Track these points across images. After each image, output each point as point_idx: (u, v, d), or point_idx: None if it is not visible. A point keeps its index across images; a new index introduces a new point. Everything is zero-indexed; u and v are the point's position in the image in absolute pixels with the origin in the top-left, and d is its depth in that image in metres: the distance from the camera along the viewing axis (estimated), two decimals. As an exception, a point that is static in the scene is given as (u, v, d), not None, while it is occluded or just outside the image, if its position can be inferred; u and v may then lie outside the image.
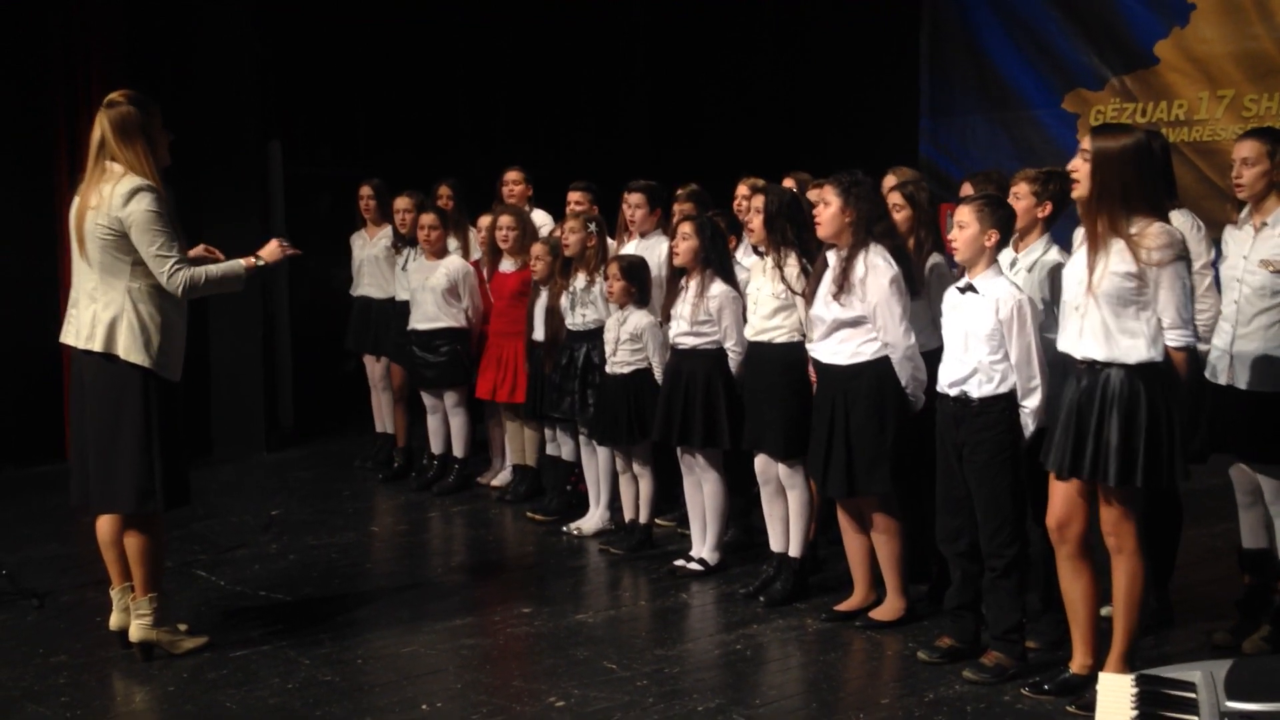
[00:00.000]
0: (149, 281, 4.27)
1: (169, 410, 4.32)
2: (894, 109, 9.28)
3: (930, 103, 9.37)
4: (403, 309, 7.02)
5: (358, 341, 7.44)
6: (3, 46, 7.28)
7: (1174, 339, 3.77)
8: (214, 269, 4.38)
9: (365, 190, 7.36)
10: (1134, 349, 3.74)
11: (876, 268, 4.48)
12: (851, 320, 4.51)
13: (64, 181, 7.10)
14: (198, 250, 4.51)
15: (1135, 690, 2.37)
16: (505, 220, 6.50)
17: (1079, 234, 4.01)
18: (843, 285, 4.49)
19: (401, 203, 7.05)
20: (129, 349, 4.23)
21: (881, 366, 4.52)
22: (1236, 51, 7.85)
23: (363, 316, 7.38)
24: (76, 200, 4.33)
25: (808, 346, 4.84)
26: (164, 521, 4.47)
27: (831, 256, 4.63)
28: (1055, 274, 4.39)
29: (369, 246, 7.33)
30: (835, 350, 4.58)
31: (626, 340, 5.56)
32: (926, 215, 4.84)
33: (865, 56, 9.30)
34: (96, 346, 4.24)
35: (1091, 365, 3.80)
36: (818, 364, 4.69)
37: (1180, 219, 4.41)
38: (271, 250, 4.53)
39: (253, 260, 4.46)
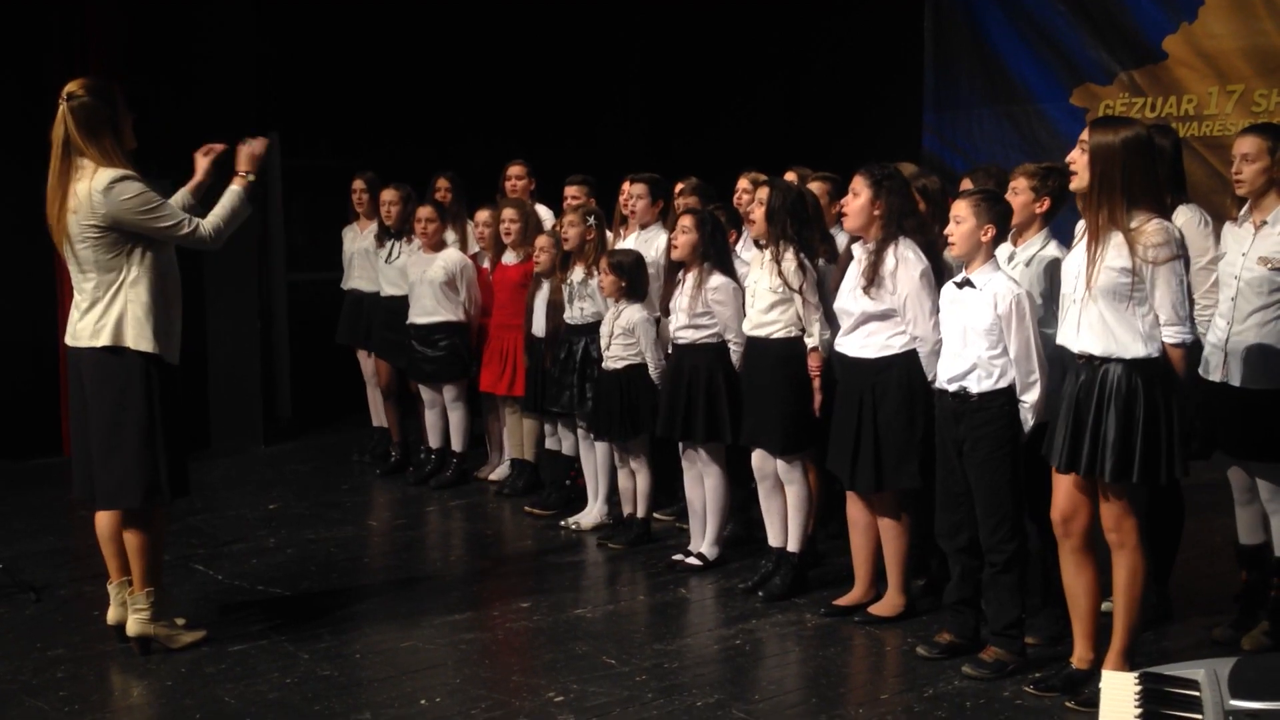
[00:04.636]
0: (142, 268, 4.25)
1: (170, 400, 4.31)
2: (897, 102, 9.23)
3: (934, 96, 9.33)
4: (386, 303, 7.01)
5: (349, 335, 7.41)
6: (2, 40, 7.24)
7: (1171, 335, 3.75)
8: (223, 208, 4.38)
9: (358, 183, 7.34)
10: (1132, 344, 3.72)
11: (907, 260, 4.45)
12: (880, 313, 4.48)
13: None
14: (199, 169, 4.49)
15: (1139, 688, 2.36)
16: (509, 213, 6.48)
17: (1081, 227, 3.99)
18: (872, 278, 4.46)
19: (388, 194, 7.01)
20: (137, 338, 4.22)
21: (910, 360, 4.48)
22: (1246, 47, 7.83)
23: (353, 310, 7.36)
24: (49, 198, 4.25)
25: (809, 340, 4.83)
26: (164, 515, 4.46)
27: (857, 249, 4.60)
28: (1053, 269, 4.39)
29: (360, 239, 7.32)
30: (863, 344, 4.55)
31: (620, 334, 5.55)
32: (939, 210, 4.82)
33: (868, 49, 9.26)
34: (103, 342, 4.22)
35: (1090, 360, 3.78)
36: (843, 358, 4.66)
37: (1187, 214, 4.39)
38: (246, 156, 4.47)
39: (243, 178, 4.45)
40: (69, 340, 4.34)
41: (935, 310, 4.43)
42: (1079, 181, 3.79)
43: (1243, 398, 4.26)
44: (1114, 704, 2.37)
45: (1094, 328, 3.75)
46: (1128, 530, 3.82)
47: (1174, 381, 3.77)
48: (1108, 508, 3.83)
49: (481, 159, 7.71)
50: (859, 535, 4.78)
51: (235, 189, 4.43)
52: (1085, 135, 3.79)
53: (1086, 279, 3.72)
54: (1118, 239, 3.69)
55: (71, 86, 4.23)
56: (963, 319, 4.20)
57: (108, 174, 4.17)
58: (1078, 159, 3.78)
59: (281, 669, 4.32)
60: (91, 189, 4.16)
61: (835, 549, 5.30)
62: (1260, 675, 2.32)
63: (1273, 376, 4.22)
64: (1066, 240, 4.42)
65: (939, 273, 4.54)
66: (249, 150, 4.49)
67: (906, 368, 4.49)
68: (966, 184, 4.98)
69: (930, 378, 4.46)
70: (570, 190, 6.54)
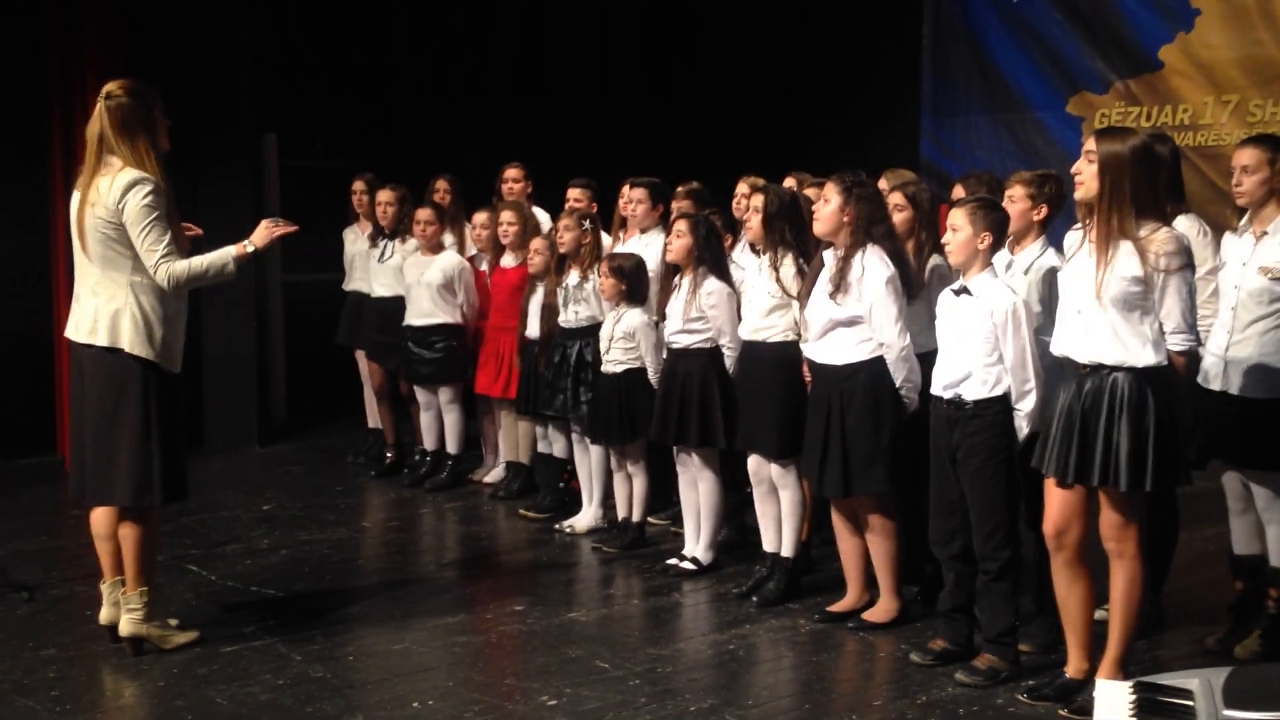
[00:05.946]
0: (148, 272, 4.24)
1: (169, 403, 4.29)
2: (895, 109, 9.25)
3: (932, 103, 9.35)
4: (376, 305, 7.00)
5: (350, 336, 7.41)
6: (-3, 40, 7.24)
7: (1177, 343, 3.77)
8: (202, 261, 4.27)
9: (358, 185, 7.34)
10: (1142, 352, 3.73)
11: (873, 267, 4.47)
12: (847, 320, 4.50)
13: (58, 173, 7.06)
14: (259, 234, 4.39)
15: (1133, 698, 2.36)
16: (507, 215, 6.47)
17: (1070, 237, 4.00)
18: (839, 285, 4.49)
19: (384, 195, 6.99)
20: (134, 342, 4.20)
21: (877, 366, 4.50)
22: (1241, 57, 7.86)
23: (354, 311, 7.35)
24: (76, 195, 4.28)
25: (802, 346, 4.84)
26: (160, 516, 4.45)
27: (828, 256, 4.62)
28: (1052, 277, 4.39)
29: (360, 241, 7.31)
30: (831, 350, 4.57)
31: (620, 339, 5.55)
32: (927, 216, 4.83)
33: (866, 56, 9.28)
34: (100, 341, 4.20)
35: (1098, 369, 3.78)
36: (812, 364, 4.68)
37: (1186, 223, 4.41)
38: (262, 235, 4.38)
39: (244, 247, 4.35)
40: (70, 333, 4.32)
41: (901, 317, 4.47)
42: (1085, 191, 3.79)
43: (1242, 406, 4.27)
44: (1108, 713, 2.37)
45: (1104, 337, 3.75)
46: (1129, 539, 3.82)
47: (1177, 389, 3.78)
48: (1110, 517, 3.82)
49: (478, 161, 7.70)
50: (846, 541, 4.79)
51: (230, 252, 4.30)
52: (1091, 145, 3.78)
53: (1096, 288, 3.72)
54: (1128, 247, 3.69)
55: (111, 86, 4.23)
56: (959, 326, 4.21)
57: (132, 174, 4.18)
58: (1085, 169, 3.78)
59: (274, 670, 4.31)
60: (113, 184, 4.17)
61: (829, 554, 5.29)
62: (1254, 685, 2.33)
63: (1272, 385, 4.24)
64: (1060, 248, 4.43)
65: (907, 280, 4.56)
66: (274, 228, 4.38)
67: (873, 374, 4.51)
68: (959, 190, 4.99)
69: (898, 383, 4.49)
70: (573, 193, 6.53)
